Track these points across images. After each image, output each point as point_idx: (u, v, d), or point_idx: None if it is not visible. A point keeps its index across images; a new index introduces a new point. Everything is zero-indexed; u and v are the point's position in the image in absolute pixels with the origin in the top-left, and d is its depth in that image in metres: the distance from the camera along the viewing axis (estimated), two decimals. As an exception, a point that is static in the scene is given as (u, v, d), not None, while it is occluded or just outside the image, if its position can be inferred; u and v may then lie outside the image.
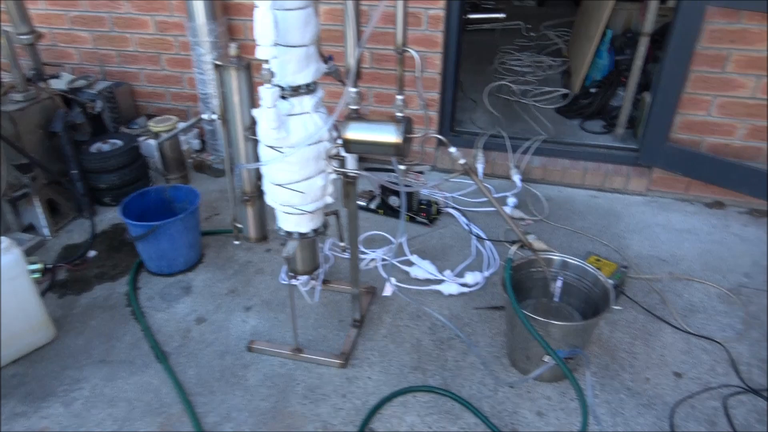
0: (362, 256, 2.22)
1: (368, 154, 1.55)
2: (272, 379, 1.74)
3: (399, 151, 1.43)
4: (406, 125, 1.43)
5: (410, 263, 2.17)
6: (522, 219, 2.45)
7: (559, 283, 1.63)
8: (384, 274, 2.11)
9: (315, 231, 1.67)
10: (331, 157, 1.52)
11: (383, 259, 2.19)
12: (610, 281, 1.90)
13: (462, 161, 1.51)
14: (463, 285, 2.06)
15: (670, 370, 1.74)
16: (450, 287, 2.03)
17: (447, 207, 2.51)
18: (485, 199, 2.60)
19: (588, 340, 1.75)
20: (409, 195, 2.41)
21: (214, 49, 2.57)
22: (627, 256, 2.24)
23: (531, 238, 2.24)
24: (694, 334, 1.86)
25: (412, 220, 2.45)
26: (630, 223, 2.45)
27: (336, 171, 1.55)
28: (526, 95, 3.41)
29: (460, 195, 2.64)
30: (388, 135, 1.42)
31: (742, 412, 1.60)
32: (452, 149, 1.51)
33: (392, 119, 1.43)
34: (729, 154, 2.41)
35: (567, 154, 2.71)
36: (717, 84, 2.32)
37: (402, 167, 1.52)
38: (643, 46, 2.67)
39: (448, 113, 2.75)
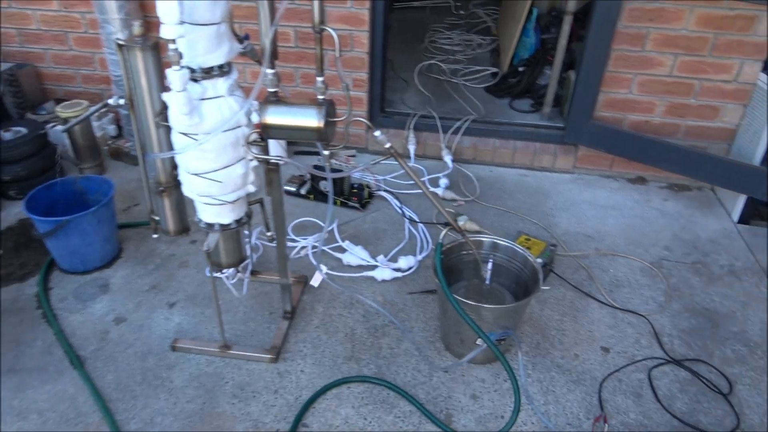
0: (292, 244, 2.14)
1: (289, 140, 1.47)
2: (199, 379, 1.65)
3: (321, 136, 1.36)
4: (328, 108, 1.36)
5: (343, 249, 2.12)
6: (454, 200, 2.45)
7: (489, 266, 1.62)
8: (314, 262, 2.05)
9: (238, 221, 1.59)
10: (250, 143, 1.43)
11: (313, 247, 2.12)
12: (539, 260, 1.92)
13: (387, 145, 1.46)
14: (397, 270, 2.03)
15: (598, 345, 1.78)
16: (383, 273, 2.00)
17: (379, 190, 2.47)
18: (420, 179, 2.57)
19: (519, 320, 1.76)
20: (340, 179, 2.35)
21: (124, 27, 2.39)
22: (555, 233, 2.28)
23: (463, 219, 2.24)
24: (620, 309, 1.91)
25: (343, 204, 2.39)
26: (558, 201, 2.50)
27: (256, 158, 1.46)
28: (457, 74, 3.39)
29: (392, 177, 2.61)
30: (309, 119, 1.35)
31: (665, 383, 1.66)
32: (377, 133, 1.46)
33: (313, 102, 1.36)
34: (649, 131, 2.48)
35: (496, 133, 2.72)
36: (637, 62, 2.37)
37: (327, 152, 1.45)
38: (567, 24, 2.70)
39: (377, 93, 2.69)
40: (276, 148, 2.60)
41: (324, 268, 1.96)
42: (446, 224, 1.98)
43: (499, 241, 1.74)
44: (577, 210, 2.44)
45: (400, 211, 2.37)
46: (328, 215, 1.47)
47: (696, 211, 2.45)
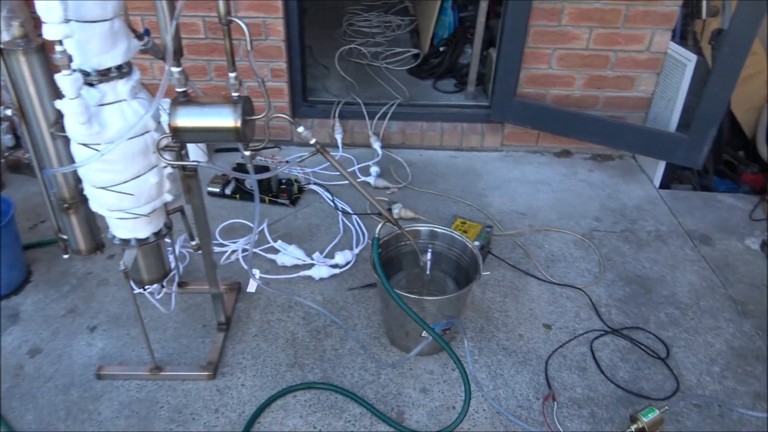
0: (221, 249, 2.03)
1: (205, 142, 1.36)
2: (130, 407, 1.52)
3: (239, 136, 1.26)
4: (244, 105, 1.26)
5: (276, 250, 2.02)
6: (387, 188, 2.39)
7: (429, 256, 1.58)
8: (246, 267, 1.94)
9: (156, 234, 1.46)
10: (162, 149, 1.31)
11: (243, 251, 2.01)
12: (476, 243, 1.91)
13: (313, 141, 1.38)
14: (334, 266, 1.96)
15: (540, 323, 1.79)
16: (321, 270, 1.92)
17: (309, 184, 2.38)
18: (350, 168, 2.50)
19: (463, 307, 1.74)
20: (325, 157, 2.23)
21: (8, 26, 2.14)
22: (490, 213, 2.27)
23: (398, 207, 2.19)
24: (558, 284, 1.94)
25: (272, 202, 2.29)
26: (489, 180, 2.50)
27: (170, 164, 1.34)
28: (378, 57, 3.32)
29: (321, 169, 2.52)
30: (224, 119, 1.25)
31: (607, 354, 1.69)
32: (300, 129, 1.37)
33: (227, 100, 1.26)
34: (571, 105, 2.52)
35: (423, 116, 2.68)
36: (555, 37, 2.39)
37: (248, 153, 1.35)
38: (484, 2, 2.68)
39: (298, 82, 2.58)
40: (195, 147, 2.45)
41: (257, 273, 1.86)
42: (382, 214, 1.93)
43: (436, 229, 1.71)
44: (508, 188, 2.45)
45: (332, 204, 2.29)
46: (256, 216, 1.37)
47: (620, 180, 2.52)
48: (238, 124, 1.24)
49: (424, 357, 1.67)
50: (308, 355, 1.67)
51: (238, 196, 2.31)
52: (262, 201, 2.29)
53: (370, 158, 2.55)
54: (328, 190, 2.35)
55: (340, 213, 2.24)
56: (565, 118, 2.43)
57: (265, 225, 2.13)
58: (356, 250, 2.05)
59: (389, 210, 2.21)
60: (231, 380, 1.59)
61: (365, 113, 2.64)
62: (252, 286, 1.85)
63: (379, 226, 1.54)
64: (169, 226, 1.51)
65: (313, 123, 2.65)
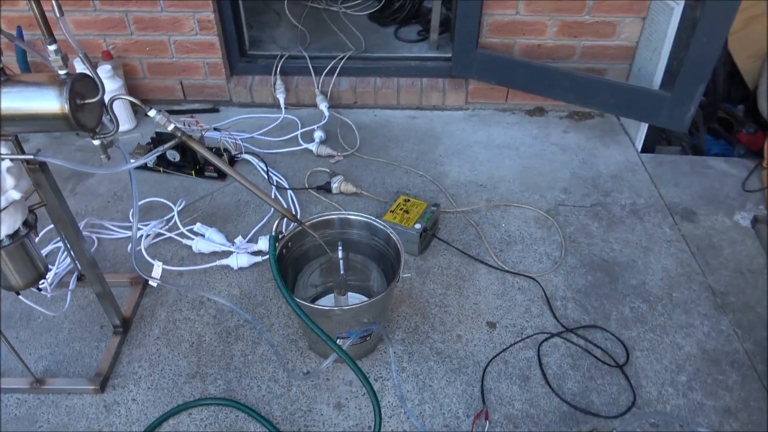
0: (129, 234, 1.80)
1: (28, 132, 1.10)
2: (6, 427, 1.34)
3: (71, 124, 1.00)
4: (76, 85, 0.99)
5: (195, 234, 1.79)
6: (330, 156, 2.13)
7: (340, 254, 1.34)
8: (149, 258, 1.71)
9: (13, 236, 1.23)
10: (-14, 142, 1.06)
11: (158, 235, 1.78)
12: (417, 226, 1.66)
13: (171, 126, 1.12)
14: (257, 253, 1.73)
15: (484, 320, 1.56)
16: (240, 259, 1.70)
17: (241, 153, 2.12)
18: (293, 133, 2.23)
19: (385, 310, 1.52)
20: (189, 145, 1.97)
21: None
22: (443, 186, 2.01)
23: (337, 181, 1.94)
24: (510, 271, 1.70)
25: (199, 175, 2.04)
26: (449, 145, 2.22)
27: (4, 156, 1.09)
28: (337, 1, 2.96)
29: (260, 135, 2.25)
30: (47, 103, 0.98)
31: (556, 359, 1.47)
32: (152, 113, 1.10)
33: (52, 80, 0.99)
34: (543, 56, 2.19)
35: (377, 71, 2.37)
36: (524, -24, 2.04)
37: (96, 142, 1.09)
38: (448, -66, 2.32)
39: (232, 34, 2.27)
40: (119, 110, 2.18)
41: (159, 264, 1.63)
42: (320, 187, 1.70)
43: (352, 217, 1.45)
44: (470, 154, 2.17)
45: (266, 176, 2.03)
46: (135, 212, 1.13)
47: (598, 142, 2.22)
48: (66, 109, 0.98)
49: (344, 364, 1.46)
50: (213, 362, 1.47)
51: (161, 168, 2.06)
52: (188, 174, 2.04)
53: (317, 120, 2.27)
54: (263, 160, 2.09)
55: (274, 187, 1.99)
56: (534, 73, 2.11)
57: (180, 205, 1.89)
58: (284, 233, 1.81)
59: (328, 183, 1.95)
60: (121, 394, 1.40)
61: (311, 68, 2.34)
62: (154, 280, 1.63)
63: (277, 221, 1.29)
64: (30, 225, 1.28)
65: (252, 81, 2.36)
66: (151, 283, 1.63)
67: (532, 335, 1.52)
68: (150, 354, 1.49)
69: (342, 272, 1.36)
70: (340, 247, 1.33)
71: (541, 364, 1.45)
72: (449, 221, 1.87)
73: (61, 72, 1.00)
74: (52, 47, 0.97)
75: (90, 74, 1.04)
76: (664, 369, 1.45)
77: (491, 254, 1.75)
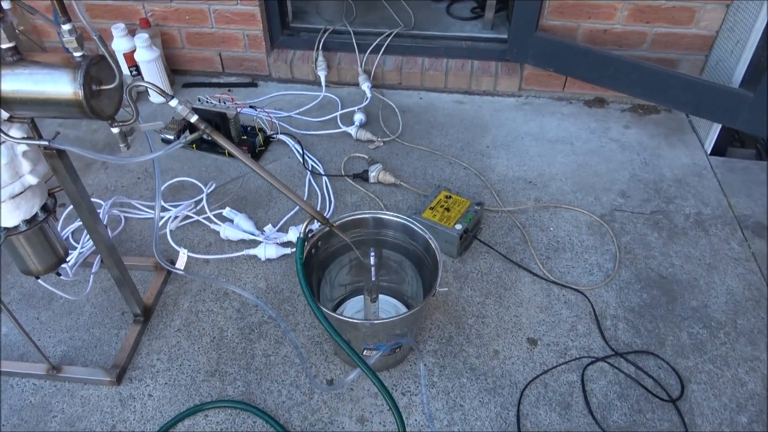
0: (162, 214, 1.73)
1: (41, 117, 1.00)
2: (20, 414, 1.31)
3: (84, 111, 0.91)
4: (92, 69, 0.90)
5: (224, 219, 1.71)
6: (370, 141, 2.01)
7: (372, 260, 1.23)
8: (174, 244, 1.63)
9: (30, 221, 1.17)
10: (7, 122, 0.98)
11: (186, 217, 1.71)
12: (458, 227, 1.54)
13: (194, 119, 1.02)
14: (285, 245, 1.64)
15: (525, 336, 1.44)
16: (269, 250, 1.61)
17: (277, 134, 2.01)
18: (332, 114, 2.12)
19: (419, 320, 1.41)
20: (225, 123, 1.89)
21: None
22: (489, 181, 1.87)
23: (375, 169, 1.82)
24: (556, 282, 1.56)
25: (232, 156, 1.95)
26: (497, 136, 2.06)
27: (10, 140, 1.01)
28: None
29: (298, 114, 2.14)
30: (59, 87, 0.90)
31: (601, 386, 1.34)
32: (173, 102, 1.00)
33: (66, 62, 0.90)
34: (608, 42, 1.99)
35: (425, 50, 2.21)
36: (595, -47, 1.84)
37: (115, 130, 1.01)
38: None
39: (275, 6, 2.15)
40: (156, 79, 2.11)
41: (184, 252, 1.56)
42: (356, 175, 1.60)
43: (388, 217, 1.33)
44: (520, 146, 2.01)
45: (301, 159, 1.93)
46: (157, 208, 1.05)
47: (663, 141, 2.03)
48: (80, 95, 0.89)
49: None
50: (234, 360, 1.40)
51: (194, 145, 1.99)
52: (221, 153, 1.96)
53: (359, 101, 2.14)
54: (299, 142, 1.98)
55: (309, 173, 1.88)
56: (597, 61, 1.92)
57: (210, 187, 1.81)
58: (316, 224, 1.71)
59: (366, 172, 1.84)
60: (138, 388, 1.35)
61: (355, 45, 2.20)
62: (182, 263, 1.56)
63: (306, 222, 1.19)
64: (49, 209, 1.21)
65: (293, 56, 2.24)
66: (178, 267, 1.57)
67: (576, 358, 1.39)
68: (170, 346, 1.43)
69: (374, 279, 1.25)
70: (372, 254, 1.22)
71: (584, 391, 1.32)
72: (493, 221, 1.73)
73: (77, 54, 0.90)
74: (66, 27, 0.88)
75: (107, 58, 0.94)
76: (723, 407, 1.30)
77: (537, 261, 1.61)
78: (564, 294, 1.53)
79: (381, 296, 1.48)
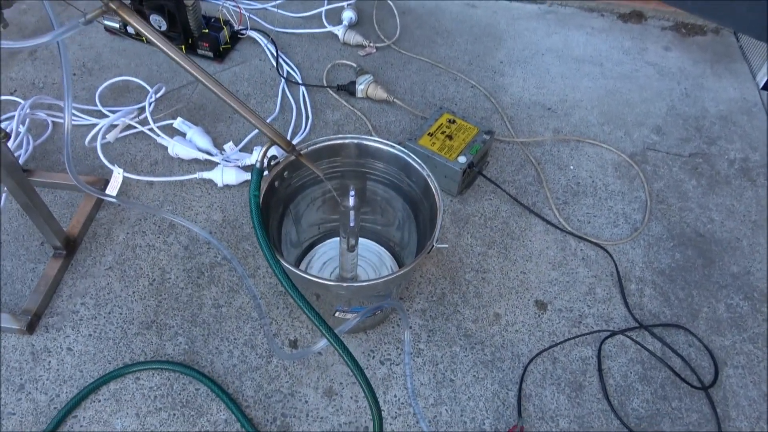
0: (95, 120, 1.41)
1: None
2: None
3: None
4: None
5: (174, 132, 1.39)
6: (361, 46, 1.66)
7: (351, 201, 0.94)
8: (106, 161, 1.32)
9: None
10: None
11: (129, 127, 1.39)
12: (463, 159, 1.25)
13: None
14: (249, 168, 1.34)
15: (532, 297, 1.19)
16: (227, 174, 1.31)
17: (246, 29, 1.65)
18: (317, 9, 1.75)
19: (407, 280, 1.14)
20: (180, 8, 1.52)
21: None
22: (501, 103, 1.55)
23: (365, 81, 1.49)
24: (573, 234, 1.29)
25: (191, 51, 1.60)
26: (513, 49, 1.72)
27: None
28: None
29: (275, 6, 1.77)
30: None
31: (621, 365, 1.10)
32: None
33: None
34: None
35: (434, -63, 1.81)
36: None
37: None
38: None
39: None
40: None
41: (119, 172, 1.25)
42: (341, 87, 1.31)
43: (376, 145, 1.03)
44: (539, 64, 1.68)
45: (275, 63, 1.59)
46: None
47: (707, 69, 1.71)
48: None
49: (347, 335, 1.12)
50: (176, 311, 1.14)
51: (144, 38, 1.62)
52: (179, 48, 1.60)
53: (349, -4, 1.77)
54: (274, 42, 1.63)
55: (283, 81, 1.55)
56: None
57: (160, 91, 1.47)
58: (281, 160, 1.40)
59: (352, 84, 1.51)
60: (55, 339, 1.09)
61: (348, -76, 1.79)
62: (115, 187, 1.26)
63: (263, 149, 0.89)
64: None
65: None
66: (109, 191, 1.27)
67: (594, 331, 1.15)
68: (98, 288, 1.16)
69: (352, 224, 0.97)
70: (352, 193, 0.93)
71: (600, 370, 1.10)
72: (502, 153, 1.44)
73: None
74: None
75: None
76: (762, 397, 1.09)
77: (552, 206, 1.34)
78: (582, 248, 1.27)
79: (362, 240, 1.21)
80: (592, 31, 1.79)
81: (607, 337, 1.14)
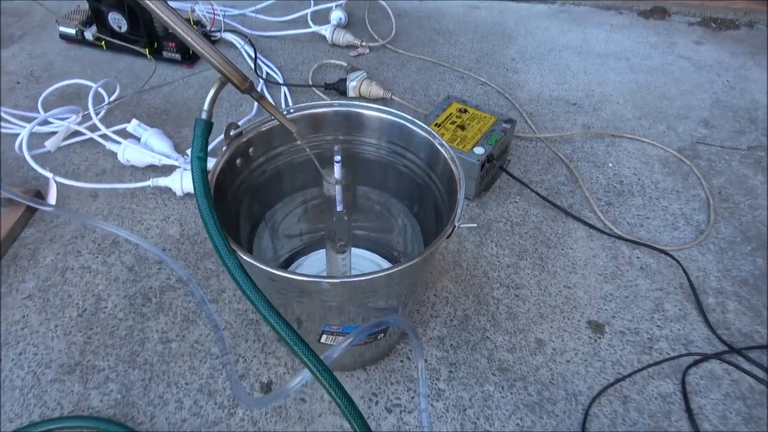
0: (39, 129, 1.17)
1: None
2: None
3: None
4: None
5: (128, 137, 1.15)
6: (351, 46, 1.45)
7: (337, 174, 0.68)
8: (37, 167, 1.07)
9: None
10: None
11: (76, 134, 1.15)
12: (480, 150, 1.00)
13: None
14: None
15: (583, 317, 0.91)
16: (188, 180, 1.06)
17: (219, 32, 1.45)
18: (299, 12, 1.55)
19: (418, 285, 0.87)
20: (145, 14, 1.32)
21: None
22: (517, 99, 1.33)
23: (357, 78, 1.26)
24: (625, 239, 1.02)
25: (156, 56, 1.39)
26: (526, 47, 1.51)
27: None
28: None
29: (254, 12, 1.58)
30: None
31: (714, 401, 0.81)
32: None
33: None
34: None
35: (430, -66, 1.65)
36: None
37: None
38: None
39: None
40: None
41: (49, 175, 1.00)
42: (328, 86, 1.07)
43: (372, 113, 0.79)
44: (557, 60, 1.47)
45: (253, 65, 1.37)
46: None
47: (749, 61, 1.49)
48: None
49: (341, 373, 0.82)
50: (110, 349, 0.85)
51: (103, 43, 1.41)
52: (141, 52, 1.39)
53: (338, -2, 1.58)
54: (252, 44, 1.42)
55: (262, 81, 1.33)
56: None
57: (115, 94, 1.24)
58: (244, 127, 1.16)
59: (342, 81, 1.28)
60: (-60, 391, 0.80)
61: (335, -77, 1.63)
62: (53, 196, 1.00)
63: (215, 86, 0.64)
64: None
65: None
66: (50, 201, 1.01)
67: (671, 357, 0.86)
68: (9, 323, 0.87)
69: (340, 209, 0.71)
70: (337, 159, 0.67)
71: (689, 410, 0.80)
72: (524, 151, 1.19)
73: None
74: None
75: None
76: None
77: (594, 208, 1.08)
78: (639, 256, 1.00)
79: (357, 250, 0.94)
80: (611, 28, 1.60)
81: (690, 366, 0.85)
